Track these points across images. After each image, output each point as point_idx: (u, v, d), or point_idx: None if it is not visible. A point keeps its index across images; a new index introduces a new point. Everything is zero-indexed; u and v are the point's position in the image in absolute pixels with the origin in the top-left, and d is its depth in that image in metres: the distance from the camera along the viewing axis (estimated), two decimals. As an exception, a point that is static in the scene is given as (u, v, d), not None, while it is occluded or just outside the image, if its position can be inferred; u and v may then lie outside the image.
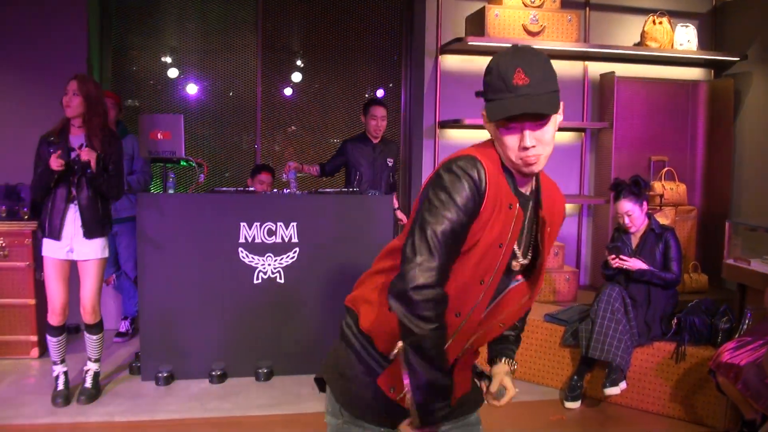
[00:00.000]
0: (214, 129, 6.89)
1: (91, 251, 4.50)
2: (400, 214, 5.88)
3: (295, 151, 7.10)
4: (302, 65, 7.15)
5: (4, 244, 5.37)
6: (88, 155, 4.32)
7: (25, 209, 5.48)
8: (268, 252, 5.06)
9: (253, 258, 5.04)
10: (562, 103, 1.88)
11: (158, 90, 6.80)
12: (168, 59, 6.81)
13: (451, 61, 6.52)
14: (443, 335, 1.80)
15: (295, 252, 5.09)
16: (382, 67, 7.13)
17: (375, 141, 5.97)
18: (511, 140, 1.84)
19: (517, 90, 1.78)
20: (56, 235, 4.44)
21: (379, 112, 5.89)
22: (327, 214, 5.15)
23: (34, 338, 5.41)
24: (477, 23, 6.24)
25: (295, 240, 5.09)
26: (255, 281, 5.06)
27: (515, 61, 1.80)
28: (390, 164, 5.97)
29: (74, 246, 4.47)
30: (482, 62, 6.39)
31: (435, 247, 1.75)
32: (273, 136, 7.03)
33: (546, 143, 1.85)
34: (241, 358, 5.10)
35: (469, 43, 6.08)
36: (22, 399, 4.63)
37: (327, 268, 5.15)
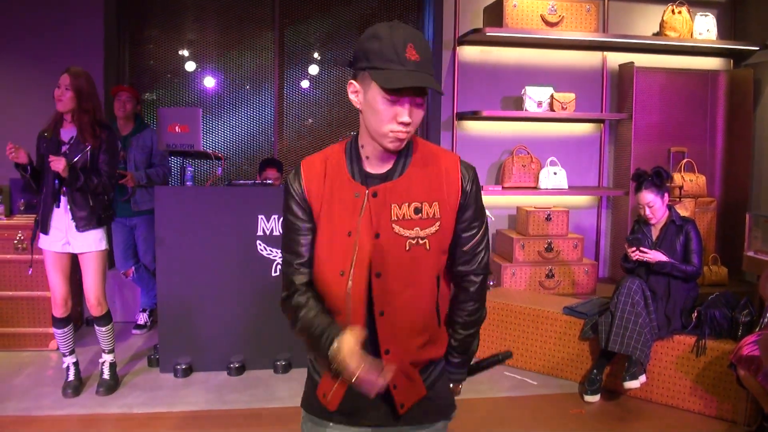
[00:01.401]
0: (232, 122, 6.89)
1: (87, 244, 4.49)
2: None
3: (312, 144, 7.09)
4: (319, 58, 7.13)
5: (22, 237, 5.39)
6: (55, 165, 4.27)
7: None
8: (286, 245, 5.04)
9: (271, 251, 5.04)
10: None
11: (176, 83, 6.81)
12: (185, 53, 6.81)
13: (469, 53, 6.48)
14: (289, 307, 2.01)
15: (312, 245, 5.07)
16: (399, 58, 7.09)
17: None
18: (389, 113, 1.85)
19: (407, 64, 1.80)
20: (45, 229, 4.45)
21: None
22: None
23: (52, 330, 5.42)
24: (495, 14, 6.20)
25: (312, 233, 5.06)
26: (273, 274, 5.06)
27: (406, 36, 1.82)
28: None
29: (70, 239, 4.47)
30: (500, 53, 6.44)
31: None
32: (290, 130, 7.02)
33: (416, 123, 1.89)
34: (260, 350, 5.11)
35: (487, 34, 6.04)
36: (41, 390, 4.67)
37: (345, 261, 5.13)
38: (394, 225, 1.91)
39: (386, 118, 1.85)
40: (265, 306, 5.06)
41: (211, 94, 6.84)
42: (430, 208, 1.93)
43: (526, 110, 6.19)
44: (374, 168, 1.97)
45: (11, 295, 5.46)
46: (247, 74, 6.88)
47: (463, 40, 6.35)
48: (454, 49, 6.41)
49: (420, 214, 1.93)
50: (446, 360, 2.13)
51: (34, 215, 5.45)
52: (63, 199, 4.43)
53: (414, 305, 1.96)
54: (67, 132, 4.44)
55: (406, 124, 1.85)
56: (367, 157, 1.98)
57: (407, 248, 1.92)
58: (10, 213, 5.79)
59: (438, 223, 1.94)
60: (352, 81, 1.92)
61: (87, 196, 4.43)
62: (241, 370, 5.04)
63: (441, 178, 1.97)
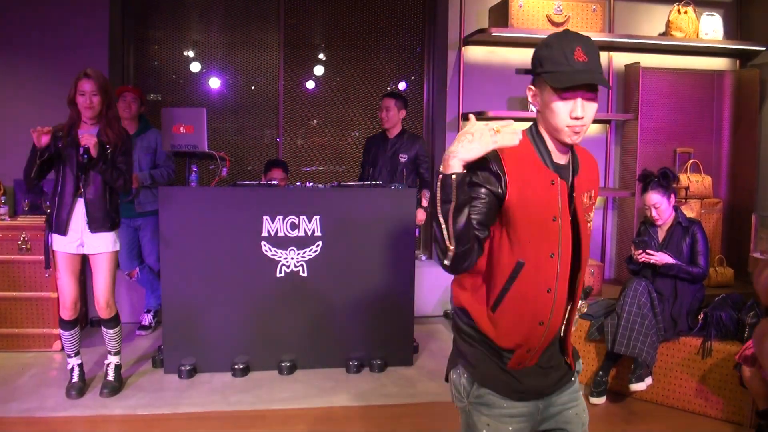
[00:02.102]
0: (237, 123, 6.88)
1: (102, 245, 4.49)
2: (420, 214, 5.79)
3: (316, 144, 7.09)
4: (324, 59, 7.13)
5: (26, 238, 5.39)
6: (87, 140, 4.27)
7: (48, 203, 5.49)
8: (291, 245, 5.04)
9: (276, 252, 5.03)
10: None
11: (180, 84, 6.81)
12: (190, 53, 6.81)
13: (475, 53, 6.47)
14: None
15: (318, 245, 5.07)
16: (405, 59, 7.09)
17: (391, 136, 5.95)
18: (564, 109, 2.08)
19: (576, 65, 2.06)
20: (63, 230, 4.42)
21: (385, 102, 5.91)
22: (350, 207, 5.13)
23: (56, 331, 5.42)
24: (500, 14, 6.19)
25: (318, 233, 5.07)
26: (278, 275, 5.05)
27: (575, 41, 2.08)
28: (403, 160, 5.89)
29: (84, 240, 4.47)
30: (506, 53, 6.42)
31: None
32: (295, 130, 7.02)
33: (589, 117, 2.12)
34: (264, 351, 5.10)
35: (493, 34, 6.03)
36: (45, 391, 4.66)
37: (350, 262, 5.13)
38: (586, 213, 2.25)
39: (562, 115, 2.09)
40: (269, 307, 5.06)
41: (215, 95, 6.84)
42: (592, 194, 2.29)
43: (532, 111, 6.16)
44: (560, 160, 2.20)
45: (15, 296, 5.45)
46: (252, 75, 6.88)
47: (469, 41, 6.34)
48: (459, 50, 6.39)
49: (590, 201, 2.28)
50: None
51: (39, 215, 5.48)
52: (80, 200, 4.43)
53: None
54: (85, 133, 4.41)
55: (579, 118, 2.08)
56: (553, 152, 2.19)
57: (588, 229, 2.27)
58: (14, 213, 5.79)
59: (594, 205, 2.31)
60: (531, 86, 2.19)
61: (104, 197, 4.43)
62: (245, 371, 5.03)
63: (592, 168, 2.33)
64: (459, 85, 6.40)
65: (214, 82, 6.81)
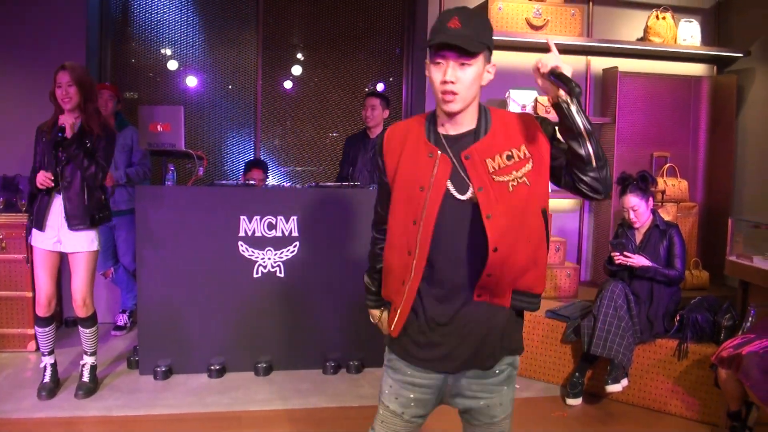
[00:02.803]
0: (214, 122, 6.85)
1: (79, 243, 4.45)
2: None
3: (294, 144, 7.07)
4: (302, 59, 7.11)
5: (1, 236, 5.33)
6: (65, 120, 4.26)
7: (23, 201, 5.43)
8: (268, 246, 5.02)
9: (253, 252, 5.01)
10: (494, 65, 2.26)
11: (157, 82, 6.76)
12: (167, 51, 6.76)
13: (453, 55, 6.46)
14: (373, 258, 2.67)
15: (295, 246, 5.05)
16: (384, 60, 7.09)
17: (372, 136, 5.94)
18: (437, 75, 2.15)
19: (449, 30, 2.09)
20: (40, 225, 4.39)
21: (369, 101, 5.90)
22: (328, 207, 5.11)
23: (31, 331, 5.36)
24: (479, 17, 6.18)
25: (295, 234, 5.05)
26: (255, 275, 5.02)
27: (455, 12, 2.12)
28: None
29: (62, 237, 4.42)
30: (485, 56, 6.40)
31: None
32: (273, 130, 6.99)
33: (465, 84, 2.13)
34: (241, 352, 5.07)
35: (472, 37, 6.02)
36: (19, 393, 4.60)
37: (327, 262, 5.12)
38: (493, 176, 2.18)
39: (435, 82, 2.15)
40: (246, 307, 5.03)
41: (193, 93, 6.80)
42: (519, 151, 2.20)
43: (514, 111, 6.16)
44: (450, 131, 2.25)
45: (-11, 295, 5.39)
46: (230, 73, 6.85)
47: (448, 43, 6.32)
48: (438, 52, 6.37)
49: (513, 159, 2.20)
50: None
51: (14, 213, 5.42)
52: (58, 197, 4.39)
53: (523, 239, 2.21)
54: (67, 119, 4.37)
55: (448, 82, 2.11)
56: (443, 124, 2.25)
57: (510, 189, 2.18)
58: (-12, 212, 5.73)
59: (531, 161, 2.21)
60: (426, 61, 2.23)
61: (83, 194, 4.39)
62: (221, 373, 5.00)
63: (520, 126, 2.25)
64: (438, 86, 6.38)
65: (192, 81, 6.77)
